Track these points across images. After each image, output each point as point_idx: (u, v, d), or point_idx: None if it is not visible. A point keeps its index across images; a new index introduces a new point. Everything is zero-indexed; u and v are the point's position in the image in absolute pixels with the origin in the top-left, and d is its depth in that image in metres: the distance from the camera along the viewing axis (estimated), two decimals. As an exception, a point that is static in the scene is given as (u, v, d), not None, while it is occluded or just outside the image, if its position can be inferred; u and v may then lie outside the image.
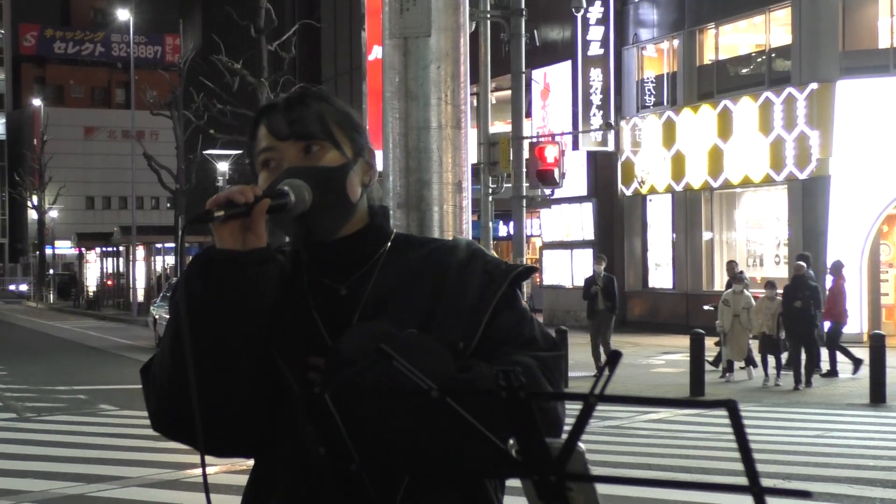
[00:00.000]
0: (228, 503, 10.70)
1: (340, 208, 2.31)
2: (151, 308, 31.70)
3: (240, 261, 2.18)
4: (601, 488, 1.81)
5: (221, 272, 2.18)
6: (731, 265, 24.33)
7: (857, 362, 20.90)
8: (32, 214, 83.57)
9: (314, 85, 45.85)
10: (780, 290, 20.10)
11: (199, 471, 11.98)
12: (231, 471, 12.01)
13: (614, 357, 1.65)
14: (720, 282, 32.14)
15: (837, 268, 22.56)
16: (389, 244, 2.39)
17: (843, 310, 21.90)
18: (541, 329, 2.34)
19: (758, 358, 20.19)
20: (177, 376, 2.18)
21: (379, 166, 2.53)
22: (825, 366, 20.88)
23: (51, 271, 75.78)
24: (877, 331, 19.63)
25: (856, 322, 27.60)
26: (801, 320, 19.42)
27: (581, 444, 1.74)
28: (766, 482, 1.54)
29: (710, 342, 20.04)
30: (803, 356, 19.51)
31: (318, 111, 2.36)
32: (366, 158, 2.40)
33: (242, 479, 10.26)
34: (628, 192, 35.24)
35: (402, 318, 2.24)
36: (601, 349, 21.51)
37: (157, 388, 2.26)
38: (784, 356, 19.89)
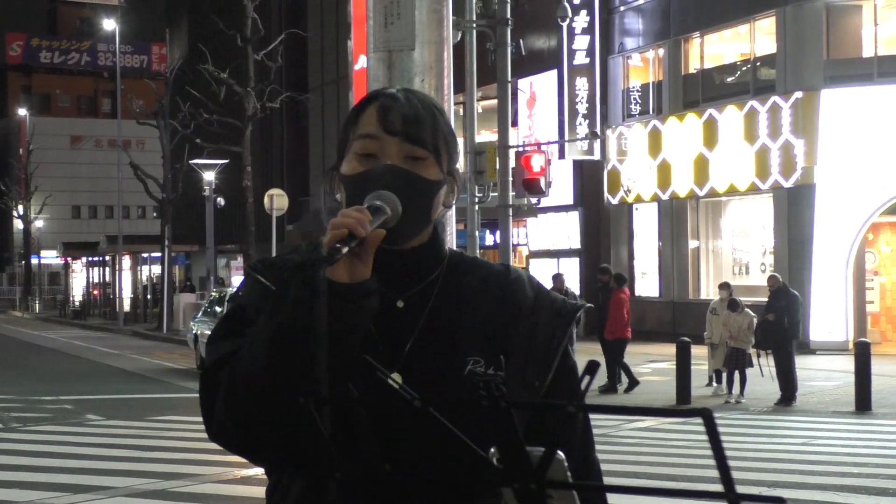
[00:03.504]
0: (215, 513, 10.66)
1: (422, 222, 2.29)
2: (192, 324, 28.93)
3: (355, 294, 2.10)
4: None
5: (337, 304, 2.10)
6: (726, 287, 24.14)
7: (633, 383, 20.47)
8: (18, 224, 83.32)
9: (301, 94, 45.91)
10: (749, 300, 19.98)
11: (183, 481, 11.98)
12: (220, 480, 12.00)
13: (592, 367, 1.68)
14: (706, 290, 32.22)
15: (620, 280, 21.78)
16: (446, 262, 2.37)
17: (626, 324, 20.93)
18: None
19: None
20: (268, 393, 2.10)
21: None
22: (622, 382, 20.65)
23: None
24: (862, 339, 19.68)
25: (841, 330, 27.70)
26: (775, 332, 18.82)
27: (561, 453, 1.77)
28: (751, 490, 1.57)
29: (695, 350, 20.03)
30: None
31: (433, 120, 2.32)
32: (455, 179, 2.38)
33: (232, 489, 10.13)
34: (614, 201, 35.29)
35: (468, 349, 2.25)
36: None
37: (234, 394, 2.15)
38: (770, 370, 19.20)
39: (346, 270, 2.10)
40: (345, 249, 2.07)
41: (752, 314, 19.16)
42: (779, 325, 18.84)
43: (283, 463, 2.21)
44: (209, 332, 2.34)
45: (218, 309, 26.26)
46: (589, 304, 2.60)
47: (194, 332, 27.48)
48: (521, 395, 2.23)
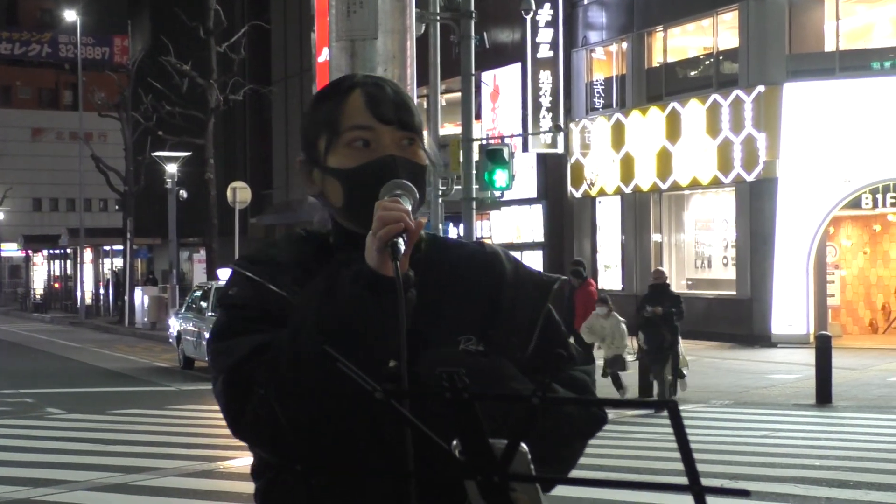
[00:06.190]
0: (177, 506, 10.59)
1: (421, 206, 2.29)
2: (173, 320, 27.23)
3: (404, 287, 2.08)
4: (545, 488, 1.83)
5: (388, 298, 2.07)
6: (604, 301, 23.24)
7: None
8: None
9: (265, 86, 45.74)
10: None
11: (145, 475, 11.91)
12: (182, 473, 11.94)
13: (558, 360, 1.66)
14: (670, 283, 32.30)
15: (581, 273, 21.26)
16: (424, 241, 2.36)
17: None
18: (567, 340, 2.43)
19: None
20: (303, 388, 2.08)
21: None
22: None
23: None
24: (823, 332, 19.80)
25: (802, 323, 27.86)
26: (661, 329, 17.62)
27: (524, 445, 1.75)
28: (712, 482, 1.55)
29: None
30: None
31: (413, 104, 2.34)
32: (430, 159, 2.40)
33: (194, 483, 10.08)
34: (578, 194, 35.35)
35: (461, 327, 2.25)
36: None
37: (284, 392, 2.10)
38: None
39: (388, 264, 2.08)
40: (403, 243, 2.07)
41: (621, 318, 18.40)
42: (668, 320, 17.65)
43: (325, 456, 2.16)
44: (193, 328, 2.31)
45: (204, 304, 24.90)
46: (564, 278, 2.62)
47: (177, 329, 26.22)
48: (503, 369, 2.21)
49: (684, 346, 18.60)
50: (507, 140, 28.71)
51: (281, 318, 2.17)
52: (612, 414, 16.00)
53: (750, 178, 28.72)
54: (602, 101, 34.73)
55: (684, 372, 18.17)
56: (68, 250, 58.00)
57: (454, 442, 1.77)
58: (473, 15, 24.05)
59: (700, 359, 24.89)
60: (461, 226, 25.88)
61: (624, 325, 18.36)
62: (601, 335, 18.39)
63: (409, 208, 2.14)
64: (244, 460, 11.19)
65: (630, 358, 18.46)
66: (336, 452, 2.15)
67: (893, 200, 28.12)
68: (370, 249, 2.10)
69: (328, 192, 2.31)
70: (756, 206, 28.73)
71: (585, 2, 35.49)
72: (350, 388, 1.86)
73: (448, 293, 2.27)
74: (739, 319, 28.93)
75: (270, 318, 2.19)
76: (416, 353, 2.12)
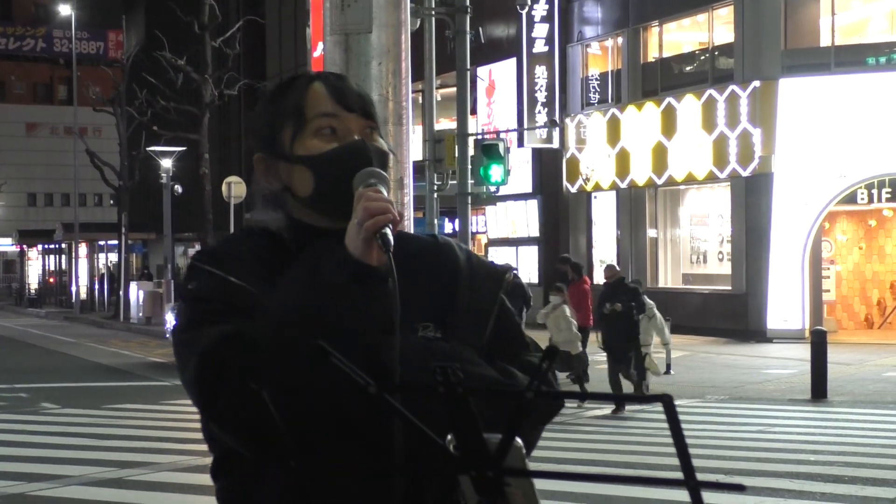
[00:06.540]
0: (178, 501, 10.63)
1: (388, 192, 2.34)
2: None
3: (388, 275, 2.13)
4: (540, 483, 1.82)
5: (375, 286, 2.14)
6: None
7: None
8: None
9: (259, 82, 45.68)
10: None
11: (139, 470, 11.90)
12: (177, 468, 11.94)
13: (551, 353, 1.65)
14: (664, 278, 32.37)
15: (579, 270, 21.10)
16: None
17: (589, 313, 20.27)
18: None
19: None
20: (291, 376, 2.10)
21: None
22: None
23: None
24: (818, 327, 19.81)
25: (797, 319, 27.87)
26: (623, 326, 17.09)
27: (518, 440, 1.74)
28: (707, 477, 1.55)
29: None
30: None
31: (370, 95, 2.41)
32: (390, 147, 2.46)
33: (189, 478, 10.08)
34: (573, 189, 35.34)
35: (418, 315, 2.27)
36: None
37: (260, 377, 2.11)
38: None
39: (375, 253, 2.14)
40: (390, 234, 2.11)
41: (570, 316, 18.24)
42: (627, 316, 17.11)
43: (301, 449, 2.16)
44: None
45: None
46: (515, 269, 2.66)
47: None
48: (463, 353, 2.26)
49: (674, 340, 18.50)
50: (502, 135, 28.73)
51: (245, 310, 2.18)
52: (570, 408, 15.89)
53: (745, 173, 28.72)
54: (597, 97, 34.71)
55: (651, 373, 17.80)
56: (63, 245, 57.94)
57: (448, 437, 1.76)
58: (469, 10, 24.05)
59: (695, 354, 24.92)
60: (456, 221, 25.88)
61: (573, 320, 18.18)
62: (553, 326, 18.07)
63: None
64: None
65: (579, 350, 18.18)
66: (320, 443, 2.15)
67: (889, 195, 28.15)
68: (354, 238, 2.14)
69: (295, 183, 2.34)
70: (751, 201, 28.74)
71: (581, -3, 35.48)
72: (336, 376, 1.87)
73: (405, 283, 2.26)
74: (735, 314, 28.94)
75: (233, 309, 2.20)
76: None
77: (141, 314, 40.65)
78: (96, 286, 53.98)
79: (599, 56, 35.31)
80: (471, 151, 24.05)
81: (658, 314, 17.82)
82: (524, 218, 37.07)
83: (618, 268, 18.98)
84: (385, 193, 2.18)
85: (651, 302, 17.78)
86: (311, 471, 2.17)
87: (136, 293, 41.94)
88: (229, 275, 2.25)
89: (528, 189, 36.26)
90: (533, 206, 36.63)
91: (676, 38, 33.09)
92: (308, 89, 2.35)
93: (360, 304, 2.12)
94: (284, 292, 2.15)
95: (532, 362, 2.37)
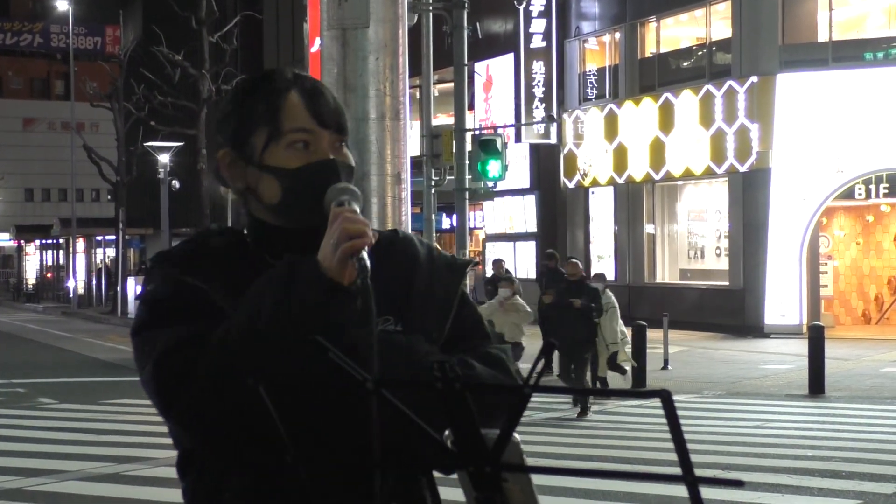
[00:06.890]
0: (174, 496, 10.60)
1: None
2: None
3: (363, 292, 2.18)
4: (538, 479, 1.82)
5: (347, 302, 2.17)
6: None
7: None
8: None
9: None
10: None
11: (136, 464, 11.90)
12: (174, 463, 11.92)
13: (548, 348, 1.65)
14: (662, 274, 32.38)
15: None
16: None
17: None
18: None
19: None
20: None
21: None
22: None
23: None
24: (816, 322, 19.82)
25: (795, 314, 27.88)
26: (580, 326, 16.14)
27: (517, 435, 1.74)
28: (705, 472, 1.54)
29: (650, 334, 20.03)
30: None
31: (342, 106, 2.43)
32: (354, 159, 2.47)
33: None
34: (571, 185, 35.34)
35: (382, 309, 2.28)
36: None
37: (215, 381, 2.14)
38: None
39: (348, 272, 2.15)
40: (367, 259, 2.14)
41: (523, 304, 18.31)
42: (587, 317, 16.27)
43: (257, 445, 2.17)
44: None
45: None
46: (476, 261, 2.70)
47: None
48: (418, 344, 2.31)
49: (672, 335, 18.45)
50: (500, 130, 28.68)
51: (204, 311, 2.22)
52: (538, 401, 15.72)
53: (743, 168, 28.72)
54: (595, 92, 34.70)
55: (626, 367, 17.67)
56: (60, 240, 57.95)
57: (446, 432, 1.76)
58: (466, 5, 24.03)
59: (693, 349, 24.93)
60: (454, 216, 25.87)
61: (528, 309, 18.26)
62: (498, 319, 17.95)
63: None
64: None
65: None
66: (301, 441, 2.15)
67: (886, 191, 28.15)
68: (329, 258, 2.15)
69: (262, 189, 2.35)
70: (749, 196, 28.74)
71: (578, -8, 35.46)
72: (316, 377, 1.97)
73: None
74: (732, 310, 28.95)
75: (192, 311, 2.23)
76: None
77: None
78: (94, 281, 53.99)
79: (597, 51, 35.29)
80: (468, 147, 24.03)
81: (615, 302, 17.32)
82: (522, 213, 37.07)
83: (580, 265, 17.82)
84: (358, 210, 2.20)
85: (610, 293, 17.42)
86: (285, 468, 2.19)
87: (133, 288, 41.91)
88: (186, 276, 2.27)
89: (526, 184, 36.25)
90: (530, 201, 36.63)
91: (674, 33, 33.08)
92: (286, 99, 2.34)
93: (331, 320, 2.14)
94: (255, 303, 2.17)
95: (493, 353, 2.38)
